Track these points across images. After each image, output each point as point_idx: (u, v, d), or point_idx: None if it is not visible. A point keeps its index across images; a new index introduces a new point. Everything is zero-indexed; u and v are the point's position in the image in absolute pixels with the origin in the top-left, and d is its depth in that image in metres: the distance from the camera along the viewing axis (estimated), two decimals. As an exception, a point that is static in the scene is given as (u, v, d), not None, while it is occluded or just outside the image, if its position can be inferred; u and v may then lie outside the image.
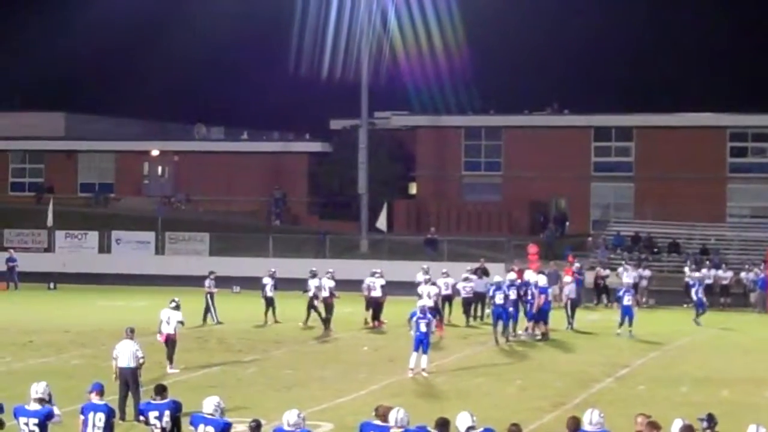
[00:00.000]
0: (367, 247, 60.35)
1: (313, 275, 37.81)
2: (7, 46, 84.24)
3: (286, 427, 14.77)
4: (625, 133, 67.52)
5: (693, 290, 40.88)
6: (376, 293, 37.71)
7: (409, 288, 40.79)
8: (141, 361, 22.23)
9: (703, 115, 66.27)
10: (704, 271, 46.09)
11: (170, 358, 27.49)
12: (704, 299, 40.75)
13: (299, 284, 38.82)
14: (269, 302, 38.19)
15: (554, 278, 41.71)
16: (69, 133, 77.28)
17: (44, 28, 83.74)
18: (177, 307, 27.76)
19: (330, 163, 71.62)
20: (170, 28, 79.79)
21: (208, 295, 37.90)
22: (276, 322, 38.02)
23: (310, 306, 37.21)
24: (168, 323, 27.55)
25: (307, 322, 37.20)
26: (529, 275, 37.09)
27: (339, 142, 72.17)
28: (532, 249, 45.93)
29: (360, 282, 39.14)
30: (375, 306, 37.67)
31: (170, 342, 27.54)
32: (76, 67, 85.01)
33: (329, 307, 36.60)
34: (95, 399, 16.18)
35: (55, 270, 53.25)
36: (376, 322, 37.48)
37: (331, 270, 38.32)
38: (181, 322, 27.97)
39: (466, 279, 39.27)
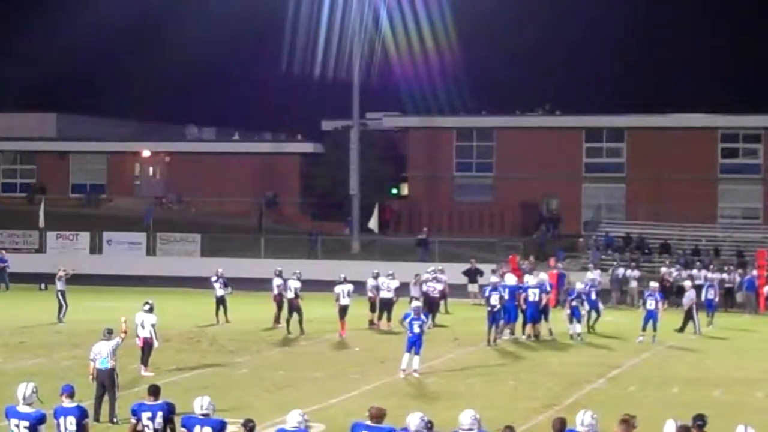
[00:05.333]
0: (359, 247, 60.36)
1: (278, 275, 37.58)
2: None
3: (288, 428, 14.80)
4: (616, 134, 67.65)
5: (703, 291, 40.43)
6: (389, 294, 37.11)
7: (401, 289, 40.76)
8: (123, 335, 22.72)
9: (694, 116, 66.39)
10: (711, 273, 45.36)
11: (144, 362, 27.33)
12: (715, 301, 40.44)
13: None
14: (219, 302, 37.91)
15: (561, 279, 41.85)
16: (61, 134, 77.30)
17: (36, 30, 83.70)
18: (150, 310, 27.49)
19: (322, 164, 71.66)
20: (162, 29, 79.79)
21: (59, 294, 37.90)
22: (227, 321, 37.56)
23: (278, 305, 37.12)
24: (143, 327, 27.33)
25: (279, 320, 37.05)
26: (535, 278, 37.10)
27: (331, 143, 72.20)
28: (513, 261, 45.86)
29: (351, 283, 38.94)
30: (387, 307, 37.28)
31: (146, 346, 27.37)
32: (68, 68, 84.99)
33: (297, 309, 35.61)
34: (65, 402, 16.11)
35: (47, 271, 53.08)
36: (388, 323, 36.96)
37: (297, 271, 37.21)
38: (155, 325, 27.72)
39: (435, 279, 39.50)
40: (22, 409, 15.37)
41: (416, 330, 27.83)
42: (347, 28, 63.18)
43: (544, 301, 35.37)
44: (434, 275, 39.76)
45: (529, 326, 35.29)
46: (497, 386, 26.75)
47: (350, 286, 35.60)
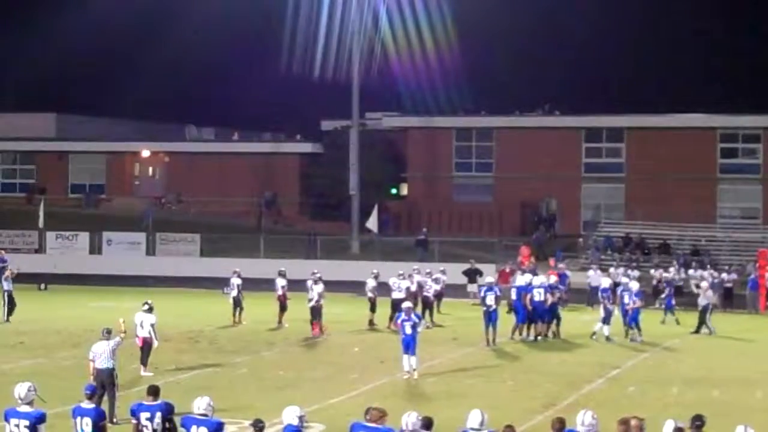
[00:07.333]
0: (358, 248, 60.35)
1: (282, 275, 37.50)
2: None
3: (285, 424, 14.84)
4: (615, 134, 67.67)
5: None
6: (401, 294, 36.57)
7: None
8: (122, 335, 22.72)
9: (693, 116, 66.41)
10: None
11: (144, 362, 27.33)
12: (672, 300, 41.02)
13: (292, 285, 38.64)
14: (237, 303, 37.90)
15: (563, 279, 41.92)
16: (60, 134, 77.28)
17: (36, 30, 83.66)
18: (150, 310, 27.48)
19: (321, 164, 71.64)
20: (161, 30, 79.79)
21: (6, 293, 37.97)
22: (236, 323, 37.45)
23: (281, 305, 37.05)
24: (142, 327, 27.33)
25: (281, 321, 37.03)
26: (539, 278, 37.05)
27: (330, 143, 72.20)
28: (525, 251, 45.84)
29: (351, 283, 38.97)
30: (399, 307, 36.85)
31: (145, 346, 27.36)
32: (67, 68, 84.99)
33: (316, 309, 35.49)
34: (84, 403, 16.14)
35: (46, 271, 53.12)
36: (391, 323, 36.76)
37: (316, 271, 36.97)
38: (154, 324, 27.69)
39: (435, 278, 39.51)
40: (22, 408, 15.37)
41: (408, 331, 27.75)
42: (347, 29, 63.19)
43: (549, 301, 35.27)
44: (434, 276, 39.80)
45: (536, 326, 35.20)
46: (497, 386, 26.75)
47: (322, 286, 35.44)
